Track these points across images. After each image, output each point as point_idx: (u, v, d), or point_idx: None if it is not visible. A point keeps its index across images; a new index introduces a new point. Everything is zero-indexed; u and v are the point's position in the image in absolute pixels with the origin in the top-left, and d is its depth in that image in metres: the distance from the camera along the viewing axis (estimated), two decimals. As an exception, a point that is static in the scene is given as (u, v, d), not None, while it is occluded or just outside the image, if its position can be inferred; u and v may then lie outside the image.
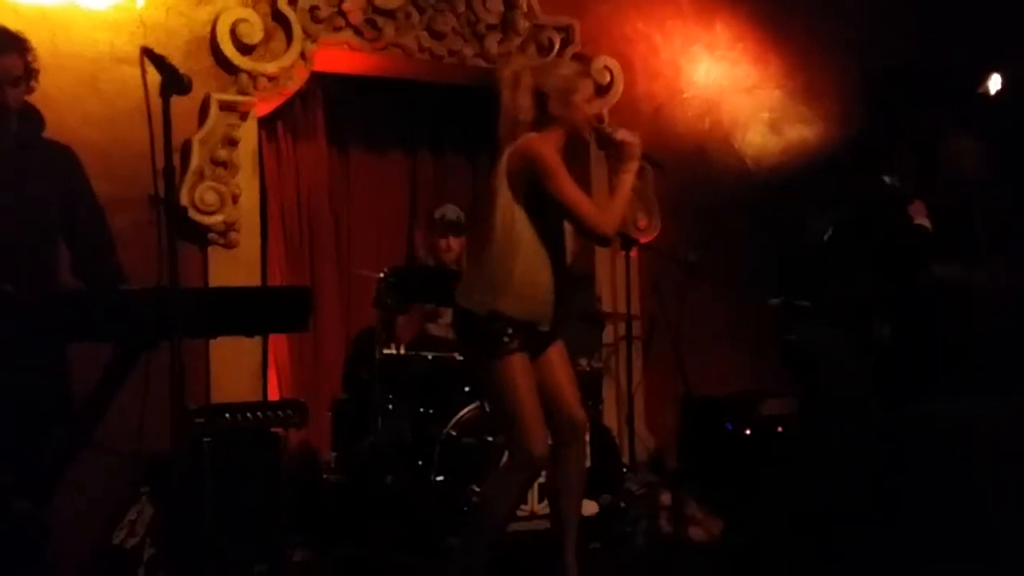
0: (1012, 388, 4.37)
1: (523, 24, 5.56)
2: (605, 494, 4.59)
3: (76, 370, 3.50)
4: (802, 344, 4.03)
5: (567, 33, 5.72)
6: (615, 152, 3.40)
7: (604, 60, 5.80)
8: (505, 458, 3.58)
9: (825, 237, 4.14)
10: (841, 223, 4.13)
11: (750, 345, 5.87)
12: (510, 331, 3.29)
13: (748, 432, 5.34)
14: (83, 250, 3.54)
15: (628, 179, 3.37)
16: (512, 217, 3.31)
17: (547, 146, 3.32)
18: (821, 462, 3.91)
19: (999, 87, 5.87)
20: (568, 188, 3.26)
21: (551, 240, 3.35)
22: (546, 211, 3.32)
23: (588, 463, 4.47)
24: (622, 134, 3.41)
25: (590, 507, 4.54)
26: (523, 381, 3.30)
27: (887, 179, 4.18)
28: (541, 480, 4.46)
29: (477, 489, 4.12)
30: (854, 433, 3.80)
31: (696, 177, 6.06)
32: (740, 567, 4.38)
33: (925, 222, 4.27)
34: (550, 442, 3.46)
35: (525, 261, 3.32)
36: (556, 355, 3.51)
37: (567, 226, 3.42)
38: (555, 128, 3.38)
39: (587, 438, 4.51)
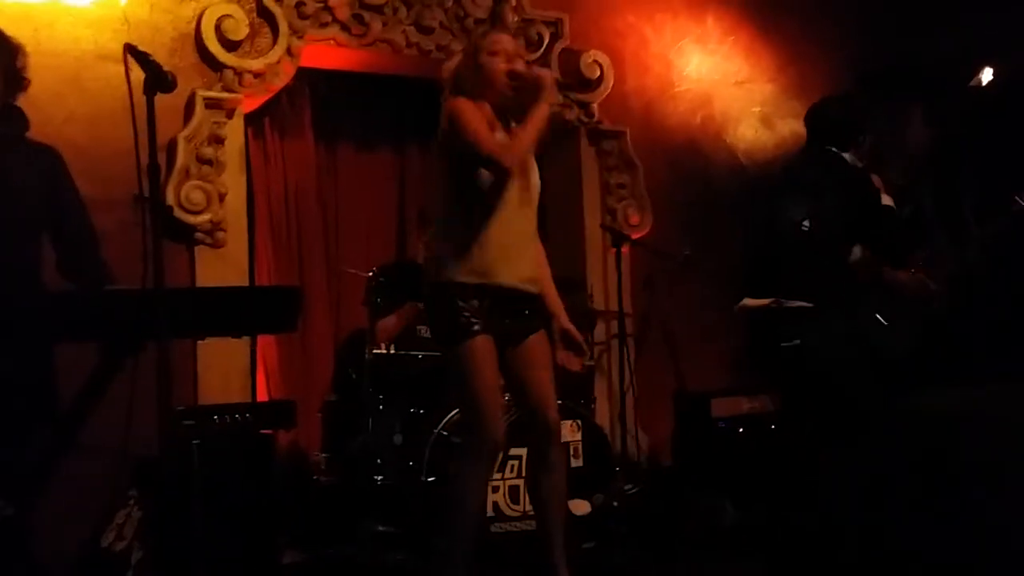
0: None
1: (512, 18, 5.52)
2: (598, 493, 4.56)
3: (62, 371, 3.45)
4: (809, 349, 3.89)
5: (556, 27, 5.69)
6: (532, 93, 3.27)
7: (594, 54, 5.77)
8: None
9: (804, 227, 3.98)
10: (821, 210, 3.97)
11: (743, 340, 5.84)
12: (467, 304, 3.22)
13: (741, 430, 5.32)
14: (68, 249, 3.49)
15: (539, 112, 3.24)
16: (447, 183, 3.28)
17: (462, 103, 3.24)
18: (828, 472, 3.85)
19: (991, 79, 5.84)
20: (469, 123, 3.16)
21: (495, 198, 3.25)
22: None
23: (574, 463, 4.48)
24: (535, 71, 3.32)
25: (583, 507, 4.52)
26: (484, 366, 3.23)
27: (847, 156, 4.07)
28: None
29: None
30: (863, 435, 3.74)
31: (688, 172, 6.04)
32: (735, 565, 4.36)
33: (889, 200, 4.21)
34: (529, 448, 3.45)
35: (466, 222, 3.25)
36: (536, 350, 3.40)
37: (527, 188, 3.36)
38: (481, 94, 3.29)
39: (579, 437, 4.55)
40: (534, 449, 3.45)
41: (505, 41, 3.35)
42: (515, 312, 3.33)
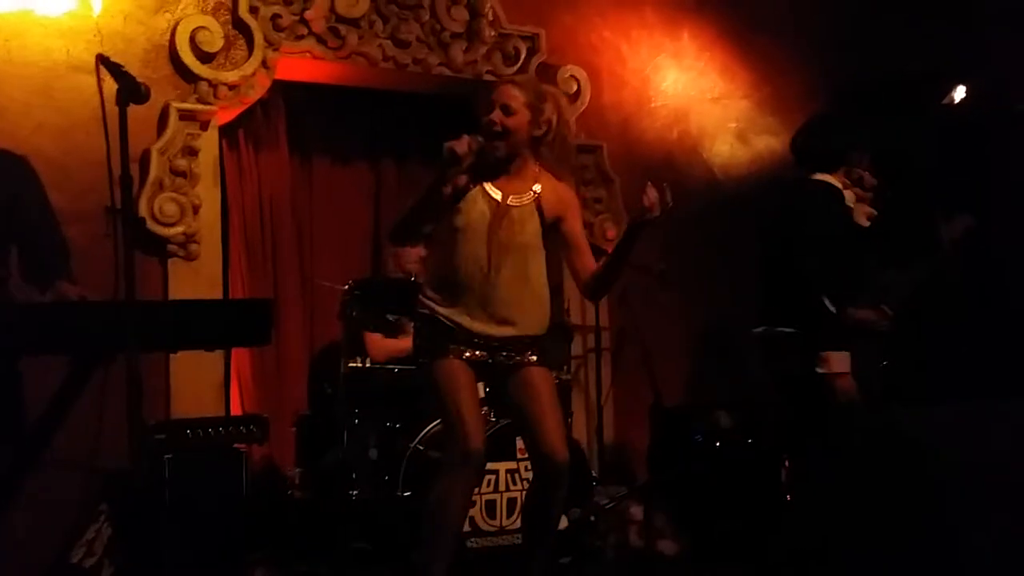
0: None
1: (488, 33, 5.52)
2: (575, 508, 4.54)
3: (30, 384, 3.41)
4: (803, 375, 3.89)
5: (533, 42, 5.69)
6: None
7: (571, 69, 5.78)
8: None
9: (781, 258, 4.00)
10: (807, 236, 3.97)
11: (719, 354, 5.86)
12: (439, 329, 3.34)
13: (717, 444, 5.31)
14: (35, 259, 3.45)
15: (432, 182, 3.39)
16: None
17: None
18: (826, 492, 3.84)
19: (964, 97, 5.89)
20: None
21: (474, 239, 3.36)
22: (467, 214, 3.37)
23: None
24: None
25: (560, 521, 4.49)
26: (455, 380, 3.30)
27: (834, 180, 4.05)
28: (509, 494, 4.43)
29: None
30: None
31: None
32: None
33: (866, 215, 4.22)
34: (534, 478, 3.49)
35: (444, 257, 3.41)
36: (539, 382, 3.43)
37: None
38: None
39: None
40: (537, 485, 3.48)
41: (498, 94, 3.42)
42: (493, 350, 3.39)
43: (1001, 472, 2.70)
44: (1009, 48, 5.77)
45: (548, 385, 3.47)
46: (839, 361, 3.74)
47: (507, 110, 3.36)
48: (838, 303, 3.81)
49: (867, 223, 4.11)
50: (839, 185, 4.01)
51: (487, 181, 3.41)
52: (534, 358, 3.43)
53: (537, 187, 3.43)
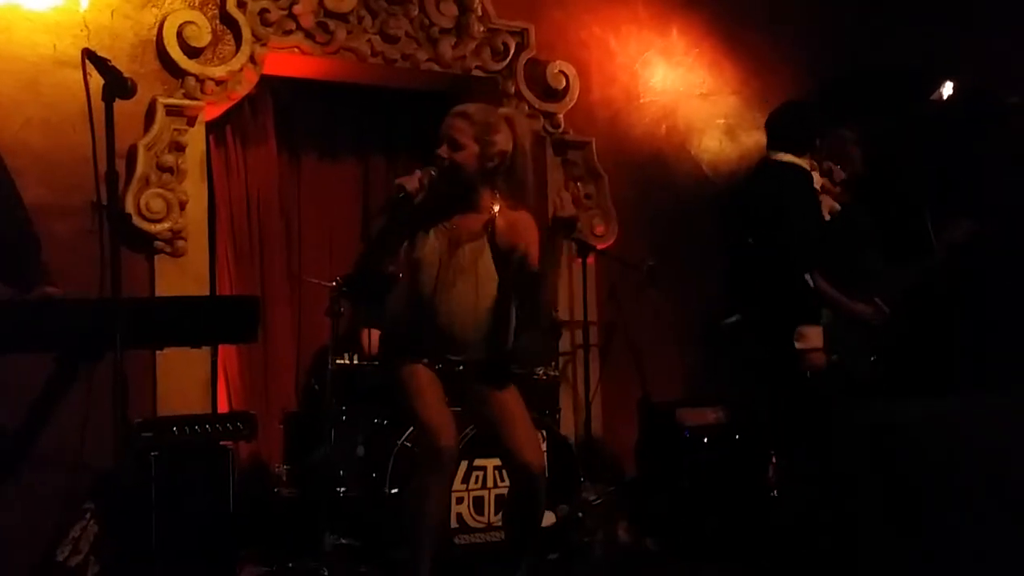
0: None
1: (477, 28, 5.51)
2: (562, 504, 4.54)
3: (13, 382, 3.38)
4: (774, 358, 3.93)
5: (522, 37, 5.68)
6: None
7: (560, 64, 5.77)
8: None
9: (749, 241, 4.03)
10: (770, 225, 4.00)
11: (707, 350, 5.85)
12: (401, 344, 3.41)
13: (705, 440, 5.31)
14: (8, 257, 3.41)
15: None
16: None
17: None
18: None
19: (951, 93, 5.90)
20: None
21: (427, 272, 3.37)
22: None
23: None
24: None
25: (548, 517, 4.49)
26: (420, 382, 3.34)
27: (802, 163, 4.09)
28: (497, 491, 4.43)
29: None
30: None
31: (652, 183, 6.04)
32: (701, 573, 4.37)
33: (832, 205, 4.27)
34: (511, 486, 3.52)
35: (399, 290, 3.46)
36: (500, 405, 3.46)
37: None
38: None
39: (545, 448, 4.52)
40: (516, 490, 3.50)
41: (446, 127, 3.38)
42: (454, 371, 3.42)
43: (989, 465, 2.71)
44: (998, 43, 5.78)
45: (513, 396, 3.48)
46: (815, 335, 3.80)
47: (454, 144, 3.32)
48: (816, 280, 3.84)
49: (827, 216, 4.14)
50: (807, 167, 4.05)
51: (440, 214, 3.39)
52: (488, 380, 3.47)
53: (491, 218, 3.40)
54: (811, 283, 3.84)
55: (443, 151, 3.32)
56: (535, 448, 3.44)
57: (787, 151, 4.11)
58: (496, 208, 3.41)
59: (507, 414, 3.43)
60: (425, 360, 3.39)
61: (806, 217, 3.92)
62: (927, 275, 4.44)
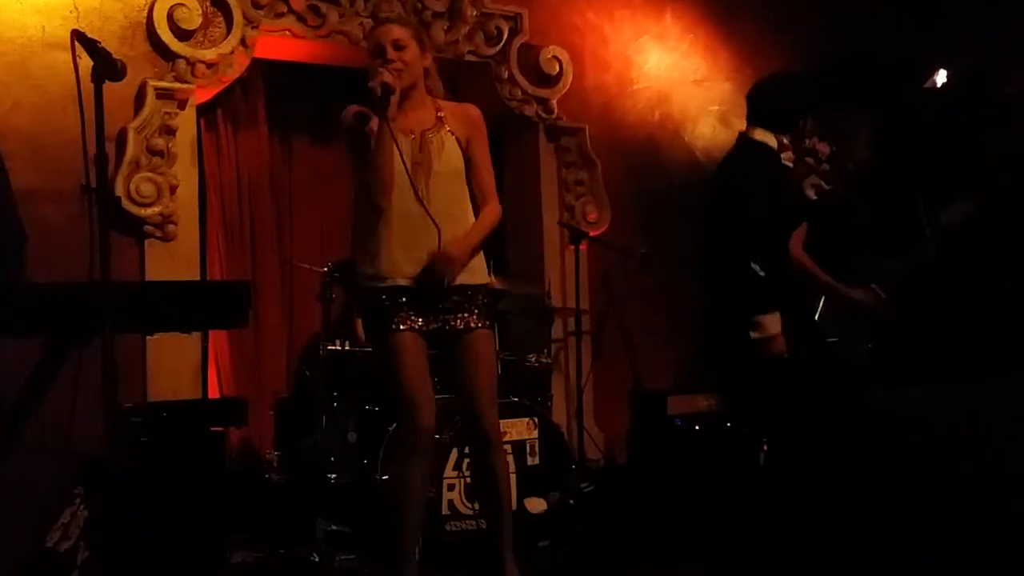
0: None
1: (470, 12, 5.48)
2: (554, 491, 4.53)
3: (1, 367, 3.36)
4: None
5: (515, 22, 5.65)
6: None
7: (553, 50, 5.74)
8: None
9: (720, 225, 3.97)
10: (735, 200, 3.88)
11: (700, 337, 5.84)
12: (383, 303, 3.29)
13: (697, 427, 5.31)
14: None
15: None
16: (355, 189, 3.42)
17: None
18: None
19: (945, 81, 5.89)
20: None
21: (399, 181, 3.27)
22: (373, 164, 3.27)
23: (531, 461, 4.46)
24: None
25: (539, 504, 4.49)
26: (408, 358, 3.27)
27: (778, 143, 3.98)
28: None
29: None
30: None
31: (646, 169, 6.03)
32: (689, 562, 4.36)
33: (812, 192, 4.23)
34: (470, 453, 3.52)
35: (366, 227, 3.33)
36: (482, 348, 3.40)
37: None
38: None
39: (536, 435, 4.52)
40: (473, 454, 3.53)
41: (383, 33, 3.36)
42: (437, 309, 3.34)
43: (979, 453, 2.71)
44: (993, 32, 5.77)
45: (489, 351, 3.46)
46: (772, 323, 3.72)
47: (398, 45, 3.33)
48: (767, 268, 3.75)
49: (814, 196, 4.07)
50: (773, 145, 3.89)
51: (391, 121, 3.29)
52: (476, 319, 3.38)
53: (441, 113, 3.40)
54: (759, 271, 3.74)
55: (391, 53, 3.31)
56: (493, 404, 3.41)
57: (764, 127, 3.89)
58: (440, 103, 3.43)
59: (481, 365, 3.38)
60: (412, 321, 3.29)
61: (759, 205, 3.75)
62: (923, 264, 4.42)
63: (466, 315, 3.37)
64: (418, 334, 3.31)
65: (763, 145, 3.89)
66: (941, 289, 4.80)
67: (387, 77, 3.23)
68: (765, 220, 3.74)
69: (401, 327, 3.28)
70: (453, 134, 3.39)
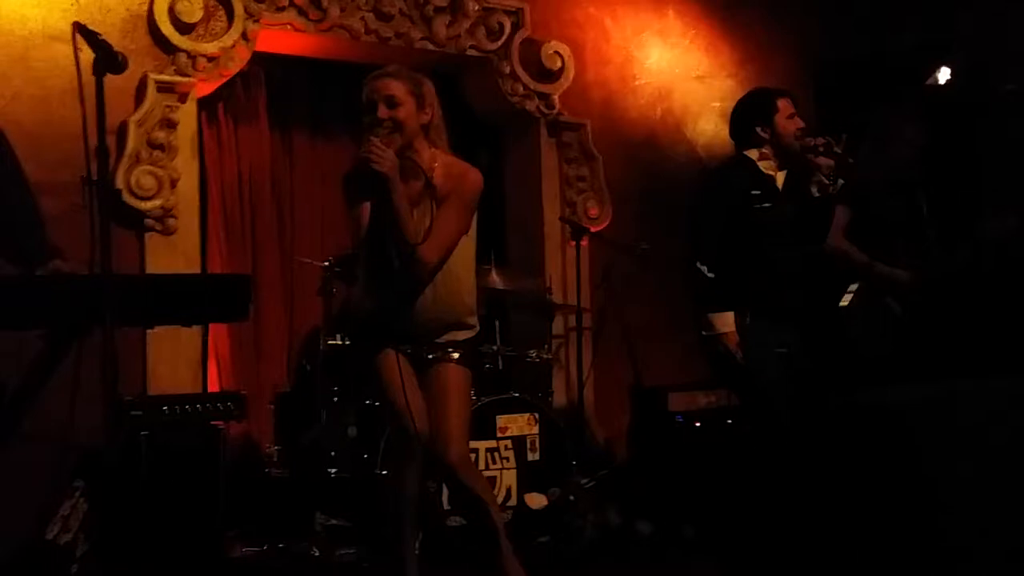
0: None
1: (472, 7, 5.46)
2: (554, 487, 4.53)
3: (3, 358, 3.35)
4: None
5: (517, 17, 5.64)
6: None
7: (555, 45, 5.73)
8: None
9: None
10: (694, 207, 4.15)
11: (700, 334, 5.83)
12: (370, 331, 3.35)
13: (697, 424, 5.31)
14: (8, 229, 3.38)
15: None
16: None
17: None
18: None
19: (948, 79, 5.88)
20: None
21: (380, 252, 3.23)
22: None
23: (531, 457, 4.50)
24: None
25: (539, 500, 4.50)
26: (393, 371, 3.24)
27: (749, 154, 4.09)
28: (489, 473, 4.41)
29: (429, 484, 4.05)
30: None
31: (647, 165, 6.02)
32: (688, 560, 4.36)
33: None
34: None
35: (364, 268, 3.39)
36: (454, 381, 3.38)
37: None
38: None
39: (537, 431, 4.51)
40: (443, 480, 3.60)
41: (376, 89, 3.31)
42: (417, 344, 3.36)
43: (986, 450, 2.71)
44: (996, 28, 5.76)
45: (463, 384, 3.40)
46: (721, 321, 3.92)
47: (391, 102, 3.25)
48: (718, 270, 3.90)
49: (816, 193, 4.09)
50: (754, 157, 4.05)
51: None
52: (455, 355, 3.38)
53: (432, 171, 3.29)
54: (706, 272, 3.88)
55: (382, 112, 3.24)
56: (460, 440, 3.36)
57: (741, 147, 4.11)
58: (436, 158, 3.33)
59: (450, 398, 3.35)
60: (398, 346, 3.30)
61: (711, 213, 3.97)
62: (968, 264, 4.43)
63: (448, 352, 3.39)
64: (402, 354, 3.29)
65: (736, 162, 4.09)
66: (969, 289, 4.79)
67: (385, 164, 3.12)
68: (718, 224, 3.93)
69: (387, 347, 3.29)
70: (433, 200, 3.29)
